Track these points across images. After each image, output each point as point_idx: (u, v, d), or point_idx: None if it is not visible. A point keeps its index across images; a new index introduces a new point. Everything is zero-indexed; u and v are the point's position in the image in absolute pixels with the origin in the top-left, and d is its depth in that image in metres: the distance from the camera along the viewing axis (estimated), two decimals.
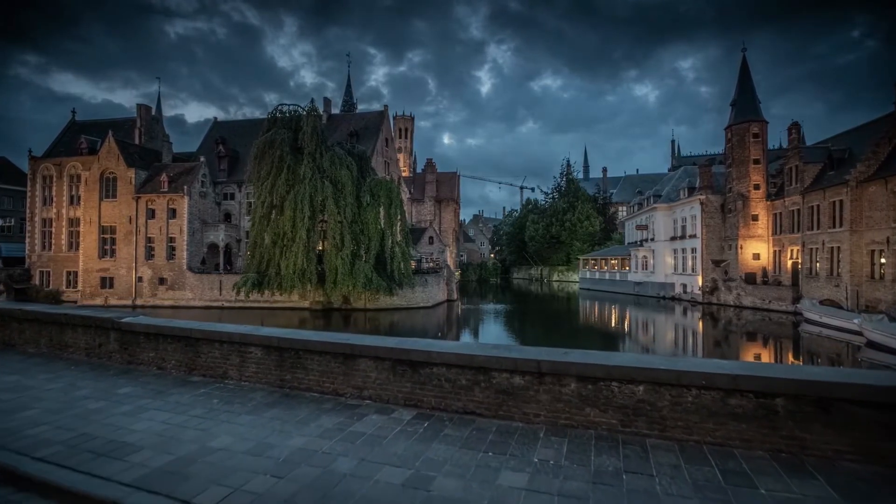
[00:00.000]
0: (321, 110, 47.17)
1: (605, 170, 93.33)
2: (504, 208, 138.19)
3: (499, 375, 4.41)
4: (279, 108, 35.88)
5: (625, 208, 75.04)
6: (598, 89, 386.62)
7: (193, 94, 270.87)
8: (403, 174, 66.52)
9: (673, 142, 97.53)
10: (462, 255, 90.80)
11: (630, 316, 39.58)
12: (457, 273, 58.41)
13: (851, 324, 25.08)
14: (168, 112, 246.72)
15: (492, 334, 31.52)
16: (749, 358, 23.56)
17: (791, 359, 23.17)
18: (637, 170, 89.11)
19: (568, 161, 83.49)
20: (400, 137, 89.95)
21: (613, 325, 36.17)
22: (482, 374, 4.48)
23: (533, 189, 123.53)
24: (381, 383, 4.98)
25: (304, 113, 34.93)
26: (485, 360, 4.43)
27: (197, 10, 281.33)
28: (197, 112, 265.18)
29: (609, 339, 29.93)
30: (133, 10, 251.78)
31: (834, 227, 31.33)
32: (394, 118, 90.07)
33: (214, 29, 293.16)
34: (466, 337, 30.69)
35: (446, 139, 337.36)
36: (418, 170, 78.89)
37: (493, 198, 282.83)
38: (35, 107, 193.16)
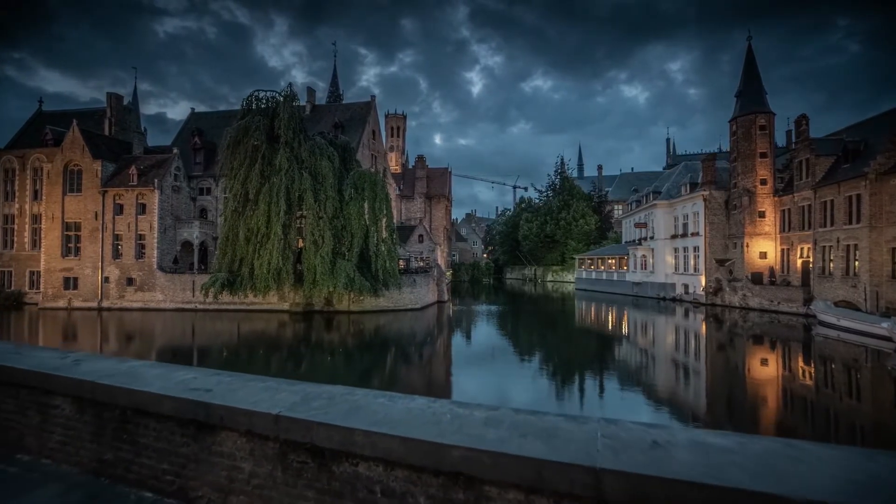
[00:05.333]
0: (304, 101, 44.55)
1: (600, 167, 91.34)
2: (497, 208, 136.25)
3: (500, 496, 1.94)
4: (255, 94, 33.11)
5: (621, 207, 72.92)
6: (589, 90, 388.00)
7: (183, 94, 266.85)
8: (395, 172, 63.91)
9: (668, 140, 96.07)
10: (454, 255, 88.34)
11: (636, 320, 37.17)
12: (448, 273, 55.92)
13: (878, 328, 22.95)
14: (158, 110, 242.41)
15: (487, 341, 29.05)
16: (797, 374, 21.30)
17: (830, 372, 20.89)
18: (632, 168, 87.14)
19: (562, 158, 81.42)
20: (392, 136, 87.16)
21: (622, 331, 33.82)
22: (462, 488, 2.00)
23: (526, 189, 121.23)
24: (262, 486, 2.48)
25: (281, 98, 32.22)
26: (467, 456, 1.95)
27: (186, 8, 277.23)
28: (186, 111, 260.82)
29: (626, 347, 27.62)
30: (120, 7, 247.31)
31: (850, 223, 29.27)
32: (385, 116, 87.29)
33: (204, 28, 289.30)
34: (459, 341, 28.16)
35: (437, 139, 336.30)
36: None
37: (482, 198, 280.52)
38: (21, 105, 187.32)
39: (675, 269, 45.40)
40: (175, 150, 41.69)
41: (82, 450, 3.12)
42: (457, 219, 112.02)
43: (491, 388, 17.04)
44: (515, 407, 2.37)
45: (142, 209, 38.94)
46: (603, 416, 2.21)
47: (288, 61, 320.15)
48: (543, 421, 2.16)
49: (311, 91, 48.38)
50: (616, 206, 76.74)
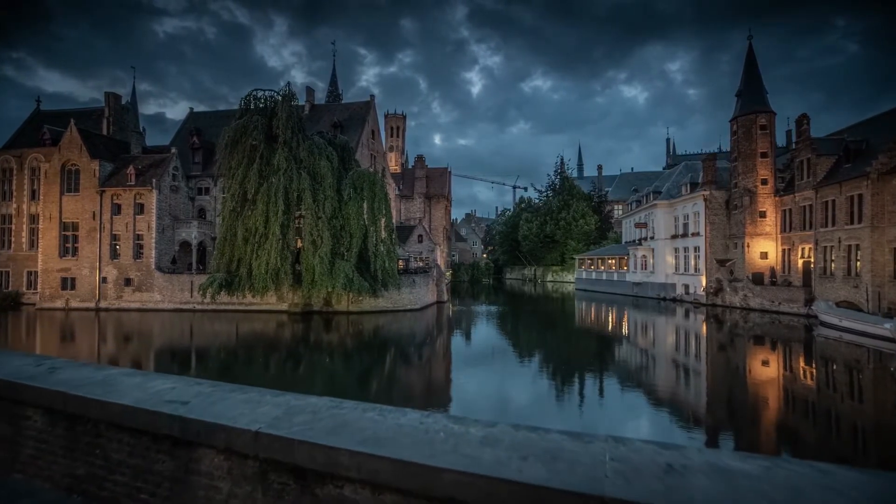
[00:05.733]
0: (303, 100, 44.36)
1: (600, 167, 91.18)
2: (497, 208, 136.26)
3: None
4: (253, 93, 32.91)
5: (621, 207, 72.81)
6: (588, 90, 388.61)
7: (182, 94, 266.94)
8: (394, 172, 63.76)
9: (668, 140, 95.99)
10: (454, 255, 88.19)
11: (636, 321, 36.92)
12: (448, 273, 55.76)
13: (881, 329, 22.78)
14: (157, 110, 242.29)
15: (487, 342, 28.87)
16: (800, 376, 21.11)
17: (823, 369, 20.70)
18: (632, 168, 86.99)
19: (562, 158, 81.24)
20: (391, 136, 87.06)
21: (622, 332, 33.57)
22: None
23: (525, 189, 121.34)
24: None
25: (280, 98, 32.02)
26: (461, 481, 1.78)
27: (186, 8, 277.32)
28: (185, 111, 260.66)
29: (626, 348, 27.43)
30: (119, 7, 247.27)
31: (852, 223, 29.10)
32: (385, 116, 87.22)
33: (203, 28, 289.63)
34: (458, 342, 27.97)
35: (437, 139, 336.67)
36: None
37: (482, 198, 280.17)
38: (20, 104, 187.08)
39: (676, 270, 45.23)
40: (173, 150, 41.49)
41: (54, 465, 2.94)
42: (456, 219, 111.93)
43: (490, 391, 16.86)
44: (515, 422, 2.20)
45: (140, 209, 38.73)
46: (610, 434, 2.03)
47: (287, 61, 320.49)
48: (545, 440, 1.98)
49: (310, 91, 48.18)
50: (616, 206, 76.63)
